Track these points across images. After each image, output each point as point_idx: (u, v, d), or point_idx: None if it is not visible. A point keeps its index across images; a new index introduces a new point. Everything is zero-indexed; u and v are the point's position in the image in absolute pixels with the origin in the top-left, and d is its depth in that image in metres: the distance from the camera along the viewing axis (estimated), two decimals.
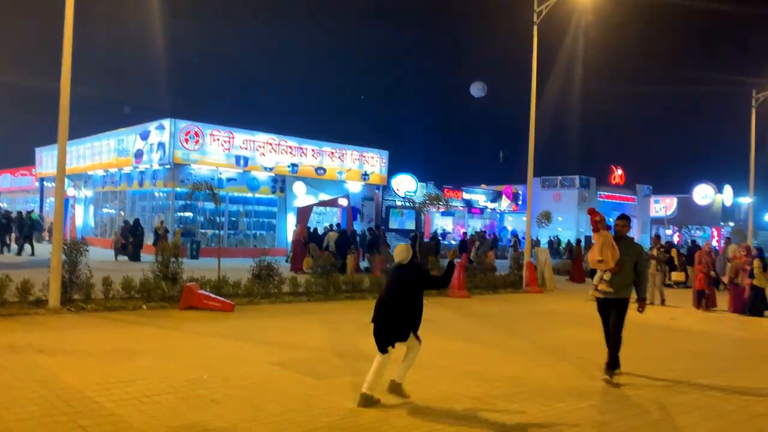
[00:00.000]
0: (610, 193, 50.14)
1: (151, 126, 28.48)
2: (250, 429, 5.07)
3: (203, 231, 28.62)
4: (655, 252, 16.52)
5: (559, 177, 49.78)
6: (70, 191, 37.18)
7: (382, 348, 6.00)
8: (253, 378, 6.74)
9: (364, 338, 9.35)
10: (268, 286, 14.10)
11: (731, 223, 52.52)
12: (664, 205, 56.00)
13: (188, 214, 28.54)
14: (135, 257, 23.10)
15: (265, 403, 5.82)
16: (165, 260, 12.85)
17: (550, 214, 20.87)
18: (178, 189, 27.21)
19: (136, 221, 25.43)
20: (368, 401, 5.84)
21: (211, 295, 12.09)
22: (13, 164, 48.34)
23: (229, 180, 28.79)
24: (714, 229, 51.31)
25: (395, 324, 6.00)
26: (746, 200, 57.20)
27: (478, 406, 6.08)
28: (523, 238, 31.16)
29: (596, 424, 5.70)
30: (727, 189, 54.29)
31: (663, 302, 15.79)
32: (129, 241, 24.02)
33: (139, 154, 29.38)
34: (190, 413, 5.41)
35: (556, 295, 17.75)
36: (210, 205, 27.99)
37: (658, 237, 18.02)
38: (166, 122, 27.20)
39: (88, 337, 8.76)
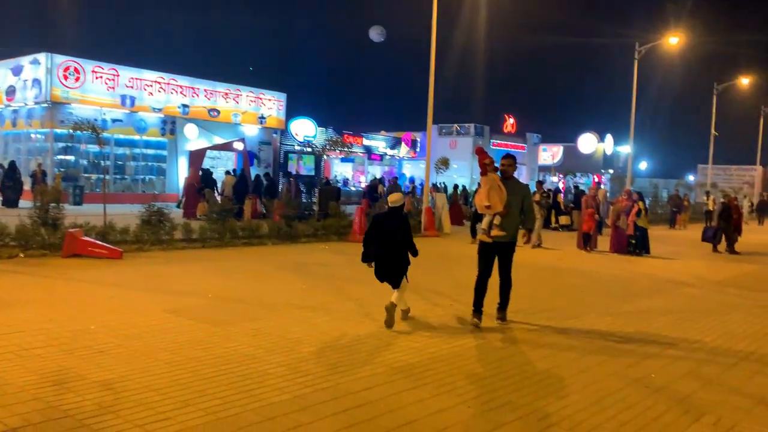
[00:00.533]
0: (503, 141, 51.65)
1: (25, 60, 26.06)
2: (142, 379, 4.80)
3: (87, 176, 26.85)
4: (537, 197, 17.19)
5: (456, 125, 50.70)
6: None
7: (398, 283, 7.03)
8: (145, 327, 6.40)
9: (262, 285, 9.17)
10: (159, 233, 13.46)
11: (611, 171, 55.99)
12: (551, 153, 58.64)
13: (70, 157, 26.63)
14: (13, 203, 21.35)
15: (159, 352, 5.54)
16: (44, 205, 11.91)
17: (448, 161, 21.15)
18: (58, 130, 25.24)
19: (12, 164, 23.42)
20: (405, 314, 7.29)
21: (97, 241, 11.37)
22: None
23: (114, 121, 27.01)
24: (596, 176, 54.37)
25: (402, 262, 7.10)
26: (625, 149, 61.00)
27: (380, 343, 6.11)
28: (421, 184, 31.67)
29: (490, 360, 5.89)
30: (609, 138, 57.53)
31: (540, 245, 16.43)
32: (6, 185, 22.10)
33: (11, 91, 26.89)
34: (75, 365, 5.05)
35: (452, 239, 18.21)
36: (94, 148, 26.28)
37: (540, 183, 18.65)
38: (42, 56, 24.98)
39: None
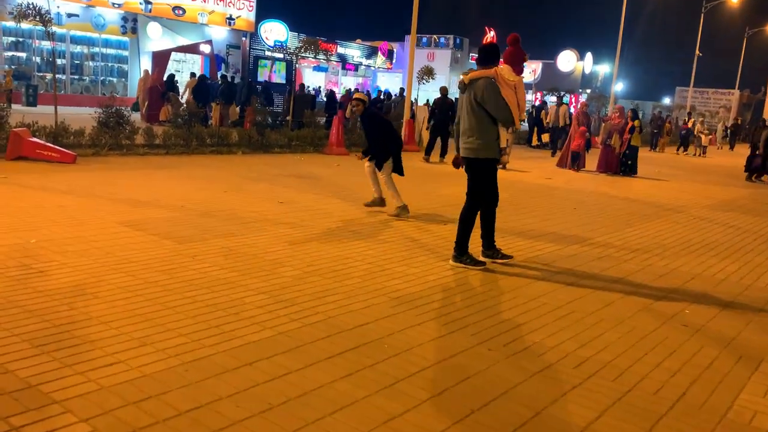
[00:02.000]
0: None
1: None
2: (88, 309, 3.91)
3: (41, 74, 24.87)
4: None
5: (434, 36, 48.70)
6: None
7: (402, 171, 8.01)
8: (96, 242, 5.44)
9: (234, 197, 8.21)
10: (118, 137, 12.24)
11: (588, 90, 54.99)
12: (530, 70, 57.21)
13: (21, 54, 24.54)
14: None
15: (111, 273, 4.63)
16: None
17: (433, 70, 19.90)
18: (6, 23, 23.04)
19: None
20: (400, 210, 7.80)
21: (47, 143, 10.16)
22: None
23: (69, 16, 24.80)
24: (573, 96, 53.45)
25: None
26: (603, 68, 59.87)
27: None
28: (395, 96, 30.30)
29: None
30: (588, 56, 56.25)
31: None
32: None
33: None
34: (4, 289, 4.12)
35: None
36: (48, 45, 24.20)
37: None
38: None
39: None
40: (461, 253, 5.69)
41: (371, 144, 7.93)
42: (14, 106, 20.96)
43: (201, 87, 20.74)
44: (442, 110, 15.39)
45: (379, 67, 44.06)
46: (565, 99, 50.20)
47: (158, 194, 7.96)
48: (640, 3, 63.92)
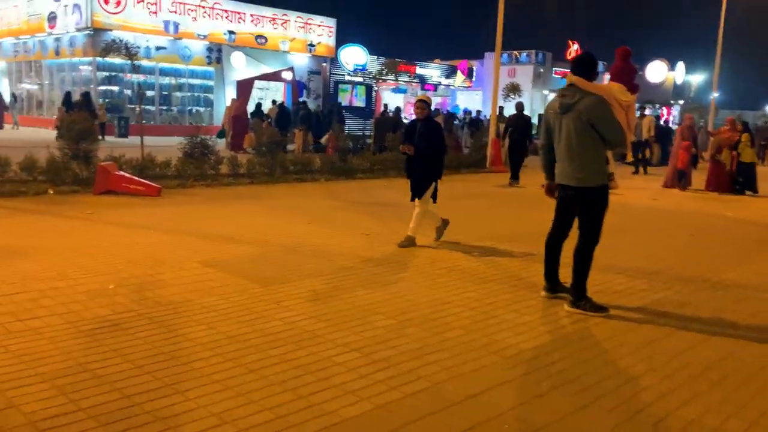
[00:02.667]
0: (566, 69, 48.35)
1: None
2: (161, 372, 3.48)
3: (131, 107, 25.80)
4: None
5: (515, 51, 47.64)
6: None
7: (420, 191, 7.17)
8: (175, 286, 5.07)
9: (320, 229, 7.75)
10: (203, 167, 12.18)
11: (680, 101, 52.20)
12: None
13: (114, 87, 25.58)
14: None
15: (189, 327, 4.21)
16: (74, 136, 10.69)
17: (519, 86, 19.13)
18: (100, 59, 24.04)
19: (86, 95, 22.00)
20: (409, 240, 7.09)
21: (133, 177, 10.13)
22: None
23: (158, 49, 25.68)
24: (665, 108, 50.93)
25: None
26: (697, 78, 56.82)
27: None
28: (476, 116, 29.54)
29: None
30: (680, 66, 53.56)
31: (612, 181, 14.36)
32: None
33: (52, 18, 25.74)
34: (76, 349, 3.75)
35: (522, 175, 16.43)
36: (139, 78, 25.13)
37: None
38: None
39: None
40: (579, 297, 4.96)
41: (418, 161, 6.92)
42: (108, 138, 21.87)
43: (282, 114, 20.88)
44: (518, 128, 14.33)
45: (458, 86, 43.47)
46: (656, 111, 47.91)
47: (242, 228, 7.63)
48: (736, 8, 60.49)
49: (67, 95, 22.18)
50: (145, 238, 6.80)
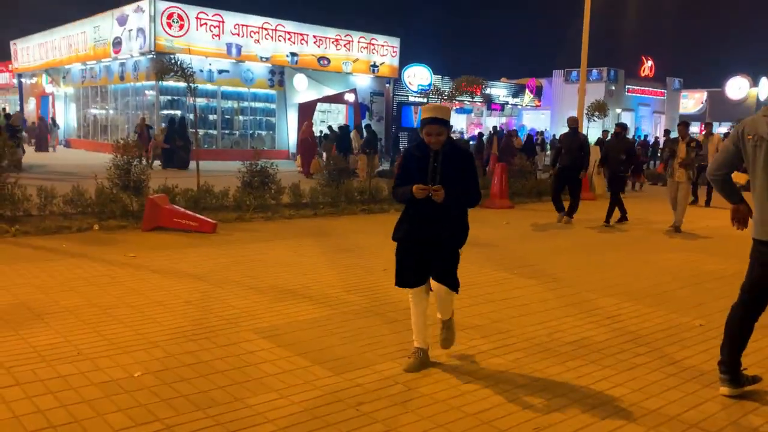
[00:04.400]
0: (640, 87, 46.05)
1: (129, 8, 24.67)
2: None
3: (193, 131, 25.35)
4: (683, 149, 10.31)
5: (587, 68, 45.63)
6: (48, 87, 33.71)
7: (452, 279, 4.17)
8: (221, 377, 3.84)
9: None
10: (263, 197, 11.13)
11: None
12: (693, 100, 52.24)
13: (176, 111, 25.23)
14: (183, 165, 19.72)
15: None
16: (125, 164, 9.80)
17: (606, 106, 17.49)
18: (163, 83, 23.73)
19: (182, 120, 21.60)
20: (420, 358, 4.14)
21: (186, 211, 9.11)
22: None
23: (220, 72, 25.28)
24: None
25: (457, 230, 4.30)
26: None
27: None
28: (548, 136, 27.79)
29: None
30: (763, 81, 50.36)
31: (678, 229, 10.43)
32: (179, 145, 20.18)
33: (117, 43, 25.74)
34: None
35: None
36: (201, 101, 24.72)
37: (685, 125, 10.71)
38: (145, 3, 23.38)
39: None
40: (736, 372, 3.57)
41: (440, 215, 3.92)
42: (151, 162, 21.29)
43: (343, 137, 19.90)
44: (570, 150, 10.96)
45: (526, 105, 41.75)
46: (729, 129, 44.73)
47: (305, 277, 6.41)
48: None
49: (181, 121, 21.47)
50: (191, 294, 5.65)
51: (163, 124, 23.96)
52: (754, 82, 49.54)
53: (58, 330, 4.49)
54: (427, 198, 3.77)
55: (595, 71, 45.04)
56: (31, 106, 36.04)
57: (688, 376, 4.04)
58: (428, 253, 3.94)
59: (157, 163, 20.06)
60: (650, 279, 6.86)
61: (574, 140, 11.03)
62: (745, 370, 3.73)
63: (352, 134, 20.68)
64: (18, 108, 35.31)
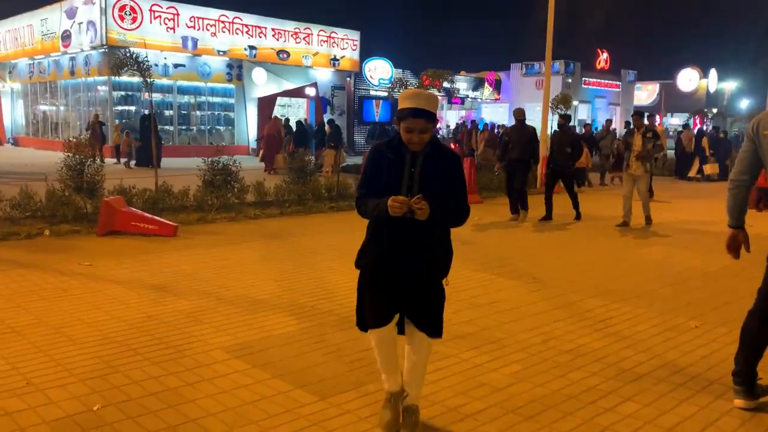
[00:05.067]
0: (595, 80, 46.60)
1: (78, 1, 23.58)
2: None
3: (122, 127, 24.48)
4: (638, 140, 9.83)
5: (542, 62, 45.96)
6: None
7: (435, 320, 3.28)
8: (192, 408, 3.44)
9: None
10: (226, 196, 10.63)
11: (714, 110, 50.04)
12: (646, 92, 53.18)
13: (131, 107, 24.31)
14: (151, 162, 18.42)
15: None
16: (77, 164, 9.19)
17: (570, 98, 17.40)
18: (116, 78, 22.77)
19: (149, 117, 20.46)
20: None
21: (144, 213, 8.57)
22: None
23: (176, 66, 24.39)
24: (697, 117, 48.94)
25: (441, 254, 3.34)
26: (730, 85, 54.68)
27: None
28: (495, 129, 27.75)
29: None
30: (712, 73, 51.68)
31: (648, 221, 10.28)
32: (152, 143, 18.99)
33: (66, 36, 24.60)
34: None
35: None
36: (157, 97, 23.82)
37: (639, 115, 10.22)
38: None
39: None
40: (751, 383, 3.38)
41: (420, 236, 3.02)
42: (123, 161, 20.51)
43: (300, 131, 19.44)
44: (519, 143, 10.32)
45: (486, 99, 41.80)
46: (688, 121, 46.03)
47: (276, 284, 6.01)
48: None
49: (144, 118, 20.30)
50: (153, 306, 5.19)
51: (117, 122, 23.08)
52: (704, 74, 50.73)
53: (4, 355, 4.00)
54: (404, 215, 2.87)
55: (555, 64, 45.42)
56: None
57: (697, 386, 3.80)
58: (403, 287, 3.03)
59: (123, 161, 19.28)
60: (632, 277, 6.67)
61: (522, 133, 10.41)
62: (760, 380, 3.50)
63: (326, 129, 20.08)
64: None
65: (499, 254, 7.73)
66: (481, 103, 43.41)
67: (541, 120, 16.24)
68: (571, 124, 16.05)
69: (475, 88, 40.57)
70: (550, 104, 16.24)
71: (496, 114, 43.61)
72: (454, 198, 3.01)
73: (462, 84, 39.63)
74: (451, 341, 4.37)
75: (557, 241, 8.91)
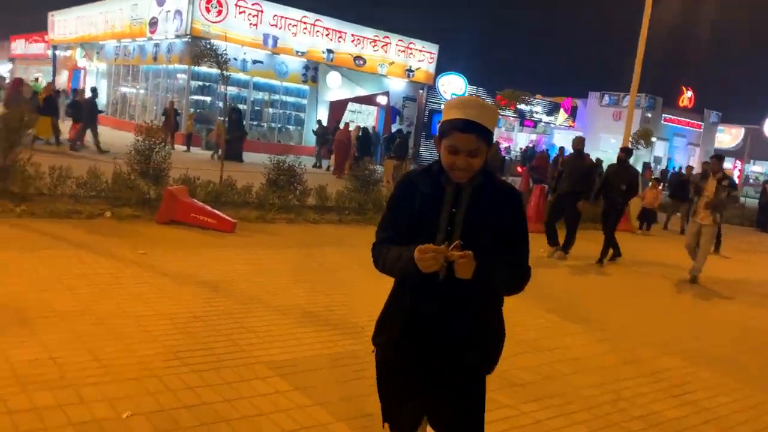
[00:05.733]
0: (676, 117, 44.92)
1: None
2: None
3: (221, 119, 24.89)
4: (711, 186, 8.84)
5: (622, 94, 44.63)
6: (81, 62, 33.51)
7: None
8: (225, 422, 3.20)
9: None
10: (287, 197, 10.51)
11: None
12: (730, 135, 50.95)
13: (206, 98, 24.78)
14: (238, 157, 18.51)
15: None
16: (146, 149, 9.22)
17: (651, 132, 16.65)
18: (195, 68, 23.25)
19: (238, 111, 20.89)
20: None
21: (205, 206, 8.49)
22: (28, 29, 44.47)
23: (254, 62, 24.72)
24: None
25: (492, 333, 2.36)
26: None
27: None
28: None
29: None
30: None
31: (695, 279, 9.02)
32: (236, 136, 19.09)
33: (153, 23, 25.28)
34: None
35: (658, 238, 13.93)
36: (232, 90, 24.20)
37: (718, 159, 9.22)
38: None
39: None
40: None
41: (466, 310, 2.17)
42: (193, 149, 20.86)
43: (365, 140, 19.33)
44: (572, 174, 9.42)
45: (560, 125, 40.83)
46: None
47: (329, 297, 5.75)
48: None
49: (236, 112, 20.71)
50: (201, 306, 5.01)
51: (191, 110, 23.52)
52: None
53: (45, 342, 3.87)
54: (440, 272, 2.06)
55: (637, 97, 44.02)
56: (63, 78, 35.86)
57: None
58: (435, 381, 2.18)
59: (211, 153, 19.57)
60: (707, 338, 6.12)
61: (576, 164, 9.47)
62: None
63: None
64: (51, 79, 35.13)
65: (563, 294, 7.27)
66: (554, 129, 42.45)
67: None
68: (647, 161, 15.38)
69: (549, 113, 39.69)
70: (630, 138, 15.54)
71: (568, 140, 42.55)
72: (512, 251, 2.15)
73: (536, 107, 38.88)
74: (510, 389, 4.00)
75: (624, 286, 8.37)
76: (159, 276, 5.72)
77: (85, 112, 16.88)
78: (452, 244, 2.00)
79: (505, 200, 2.16)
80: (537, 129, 39.49)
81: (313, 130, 23.67)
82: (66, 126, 17.36)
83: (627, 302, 7.25)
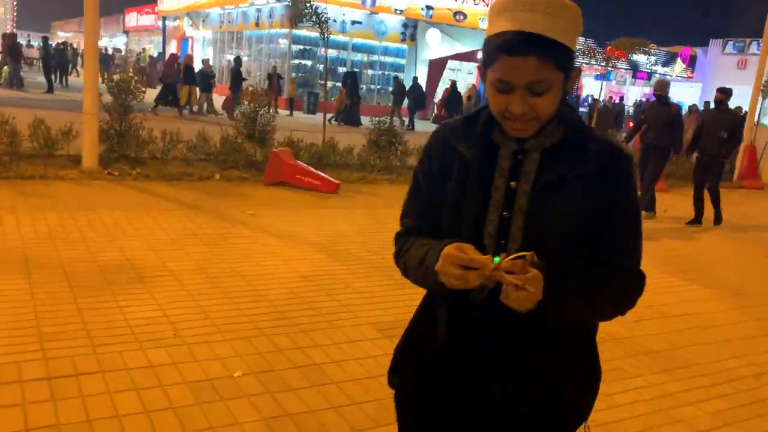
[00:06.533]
0: None
1: None
2: None
3: (322, 83, 25.05)
4: None
5: (747, 39, 40.88)
6: (188, 31, 34.72)
7: None
8: (334, 384, 3.11)
9: None
10: (389, 158, 10.38)
11: None
12: None
13: (307, 61, 25.00)
14: (356, 121, 19.12)
15: None
16: (251, 112, 9.34)
17: None
18: (296, 31, 23.44)
19: (355, 76, 21.44)
20: None
21: (309, 168, 8.51)
22: (139, 1, 46.52)
23: (353, 23, 24.58)
24: None
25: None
26: None
27: None
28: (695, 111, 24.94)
29: None
30: None
31: None
32: (354, 101, 19.81)
33: None
34: None
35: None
36: (332, 53, 24.24)
37: None
38: None
39: (86, 226, 5.45)
40: None
41: (534, 344, 1.34)
42: (296, 113, 21.17)
43: (453, 97, 18.85)
44: (656, 125, 8.42)
45: (677, 76, 38.10)
46: None
47: None
48: None
49: (353, 77, 21.19)
50: (308, 266, 4.98)
51: (293, 75, 23.80)
52: None
53: (159, 300, 3.95)
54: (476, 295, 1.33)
55: (757, 43, 40.26)
56: (172, 48, 37.38)
57: None
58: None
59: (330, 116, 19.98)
60: None
61: (661, 112, 8.37)
62: None
63: None
64: (161, 50, 36.71)
65: (688, 256, 6.72)
66: (671, 80, 39.70)
67: (750, 105, 14.23)
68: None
69: (665, 63, 37.12)
70: (762, 87, 14.12)
71: (686, 93, 39.72)
72: (618, 257, 1.38)
73: (650, 57, 36.43)
74: (635, 357, 3.68)
75: (758, 249, 7.63)
76: (267, 236, 5.76)
77: (232, 80, 17.86)
78: (509, 256, 1.18)
79: (604, 168, 1.29)
80: (650, 81, 37.06)
81: (390, 90, 23.27)
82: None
83: (760, 267, 6.60)
